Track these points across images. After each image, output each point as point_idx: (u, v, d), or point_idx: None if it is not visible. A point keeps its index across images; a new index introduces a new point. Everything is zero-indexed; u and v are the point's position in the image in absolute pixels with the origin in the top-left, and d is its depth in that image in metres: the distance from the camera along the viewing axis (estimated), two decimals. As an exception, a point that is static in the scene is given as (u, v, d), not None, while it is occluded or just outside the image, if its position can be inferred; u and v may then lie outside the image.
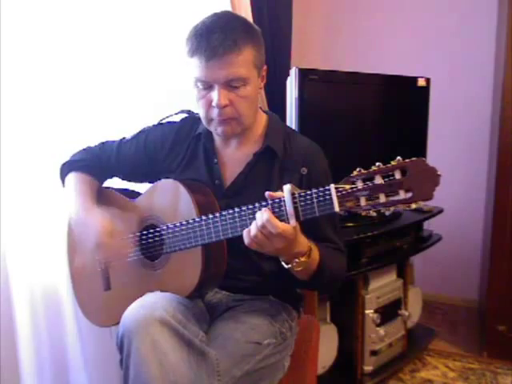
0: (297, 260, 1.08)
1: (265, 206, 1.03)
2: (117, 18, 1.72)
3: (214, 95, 1.14)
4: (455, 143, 2.92)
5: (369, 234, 1.98)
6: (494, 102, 2.70)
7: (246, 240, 1.04)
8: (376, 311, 2.12)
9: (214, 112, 1.16)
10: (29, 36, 1.47)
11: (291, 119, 1.98)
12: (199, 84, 1.16)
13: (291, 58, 2.63)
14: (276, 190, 1.04)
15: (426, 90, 2.27)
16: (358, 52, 3.05)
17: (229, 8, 2.16)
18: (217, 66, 1.11)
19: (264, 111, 1.33)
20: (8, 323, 1.43)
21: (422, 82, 2.25)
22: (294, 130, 1.40)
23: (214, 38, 1.10)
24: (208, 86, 1.15)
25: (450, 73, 2.86)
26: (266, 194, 1.04)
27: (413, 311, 2.41)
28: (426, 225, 2.46)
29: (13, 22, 1.42)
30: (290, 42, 2.62)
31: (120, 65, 1.73)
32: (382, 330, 2.14)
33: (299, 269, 1.09)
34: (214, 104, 1.15)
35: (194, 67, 1.14)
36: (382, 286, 2.18)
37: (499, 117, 2.30)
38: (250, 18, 2.25)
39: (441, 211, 2.40)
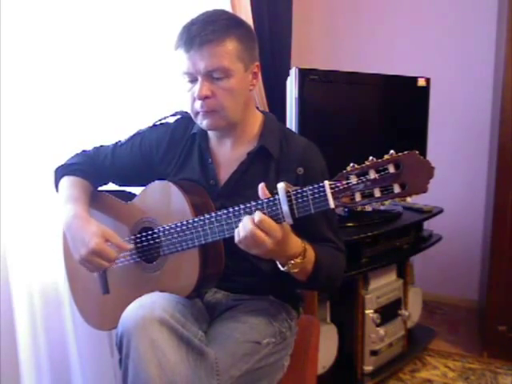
0: (292, 261, 1.07)
1: (260, 205, 1.03)
2: (114, 22, 1.72)
3: (196, 87, 1.15)
4: (455, 143, 2.92)
5: (369, 233, 1.98)
6: (493, 102, 2.70)
7: (236, 239, 1.03)
8: (376, 311, 2.12)
9: (198, 104, 1.17)
10: (26, 39, 1.47)
11: (291, 119, 1.98)
12: (185, 77, 1.17)
13: (291, 58, 2.63)
14: (272, 191, 1.03)
15: (425, 90, 2.27)
16: (358, 52, 3.05)
17: (229, 8, 2.17)
18: (197, 56, 1.12)
19: (260, 111, 1.33)
20: (8, 322, 1.43)
21: (422, 82, 2.26)
22: (291, 131, 1.40)
23: (194, 29, 1.12)
24: (193, 79, 1.16)
25: (450, 73, 2.86)
26: (260, 185, 1.03)
27: (413, 311, 2.41)
28: (426, 225, 2.46)
29: (12, 25, 1.43)
30: (290, 42, 2.63)
31: (116, 66, 1.73)
32: (382, 330, 2.14)
33: (295, 270, 1.09)
34: (195, 95, 1.16)
35: (179, 60, 1.16)
36: (382, 286, 2.18)
37: (499, 117, 2.30)
38: (249, 18, 2.25)
39: (441, 211, 2.40)
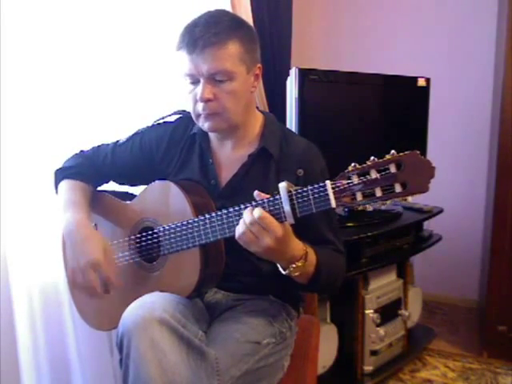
0: (293, 265, 1.07)
1: (261, 204, 1.02)
2: (113, 22, 1.71)
3: (199, 89, 1.15)
4: (455, 143, 2.92)
5: (369, 233, 1.98)
6: (493, 102, 2.70)
7: (236, 235, 1.03)
8: (376, 311, 2.12)
9: (200, 106, 1.17)
10: (26, 40, 1.47)
11: (291, 119, 1.98)
12: (187, 78, 1.17)
13: (291, 58, 2.63)
14: (272, 192, 1.03)
15: (425, 90, 2.27)
16: (358, 52, 3.05)
17: (229, 8, 2.17)
18: (200, 59, 1.12)
19: (261, 111, 1.33)
20: (8, 322, 1.43)
21: (421, 82, 2.26)
22: (291, 131, 1.40)
23: (197, 31, 1.12)
24: (195, 81, 1.16)
25: (450, 73, 2.86)
26: (255, 193, 1.04)
27: (413, 311, 2.41)
28: (426, 225, 2.46)
29: (13, 25, 1.43)
30: (290, 42, 2.63)
31: (116, 66, 1.73)
32: (382, 330, 2.14)
33: (297, 273, 1.09)
34: (197, 98, 1.15)
35: (180, 62, 1.16)
36: (381, 286, 2.18)
37: (499, 117, 2.30)
38: (249, 17, 2.25)
39: (441, 211, 2.40)
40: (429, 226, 2.47)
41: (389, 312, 2.19)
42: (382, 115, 2.25)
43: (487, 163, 2.81)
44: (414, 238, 2.30)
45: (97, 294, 1.18)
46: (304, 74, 1.93)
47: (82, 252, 1.17)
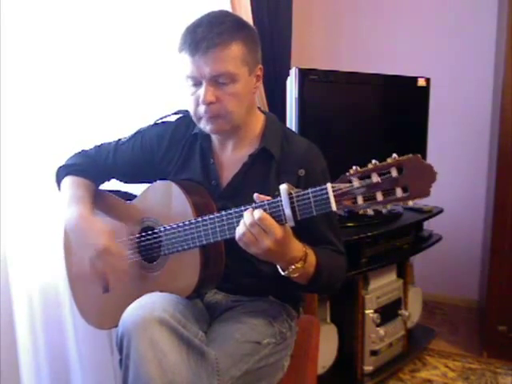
0: (293, 266, 1.07)
1: (262, 206, 1.02)
2: (114, 22, 1.71)
3: (201, 92, 1.14)
4: (455, 143, 2.92)
5: (369, 234, 1.97)
6: (493, 102, 2.70)
7: (236, 236, 1.03)
8: (376, 311, 2.12)
9: (202, 109, 1.16)
10: (27, 39, 1.47)
11: (291, 119, 1.98)
12: (189, 80, 1.16)
13: (291, 58, 2.63)
14: (273, 192, 1.03)
15: (425, 90, 2.27)
16: (358, 52, 3.05)
17: (229, 8, 2.17)
18: (202, 60, 1.11)
19: (262, 112, 1.33)
20: (8, 323, 1.43)
21: (422, 82, 2.26)
22: (292, 131, 1.39)
23: (199, 32, 1.11)
24: (197, 83, 1.15)
25: (450, 73, 2.86)
26: (255, 195, 1.04)
27: (413, 311, 2.41)
28: (426, 225, 2.46)
29: (13, 25, 1.43)
30: (290, 42, 2.63)
31: (117, 65, 1.73)
32: (382, 330, 2.14)
33: (296, 275, 1.09)
34: (200, 100, 1.15)
35: (182, 63, 1.15)
36: (381, 286, 2.18)
37: (499, 117, 2.30)
38: (249, 18, 2.25)
39: (441, 211, 2.40)
40: (429, 226, 2.47)
41: (389, 312, 2.19)
42: (382, 115, 2.25)
43: (487, 163, 2.81)
44: (413, 238, 2.30)
45: (106, 284, 1.20)
46: (304, 73, 1.93)
47: (88, 243, 1.18)
